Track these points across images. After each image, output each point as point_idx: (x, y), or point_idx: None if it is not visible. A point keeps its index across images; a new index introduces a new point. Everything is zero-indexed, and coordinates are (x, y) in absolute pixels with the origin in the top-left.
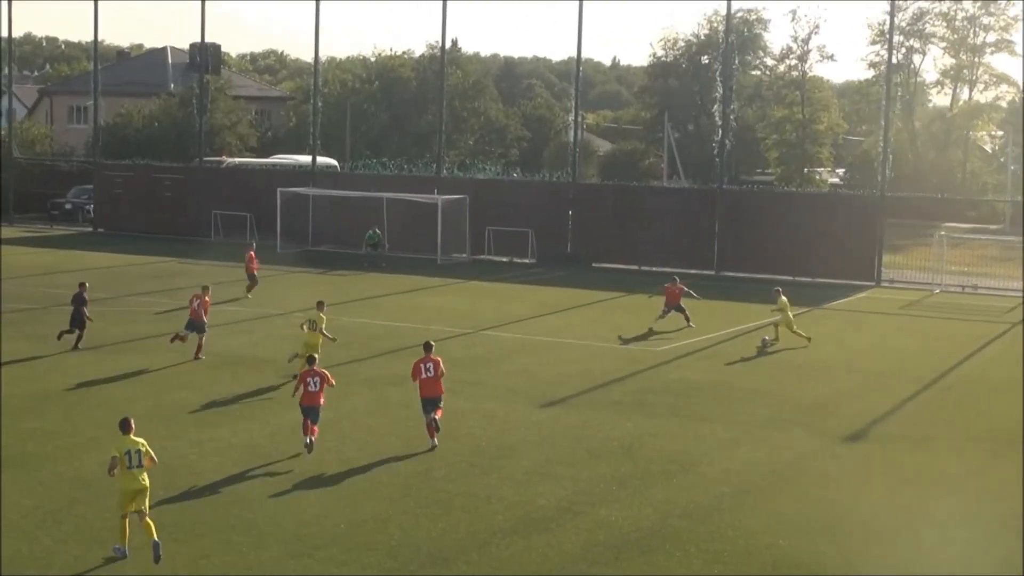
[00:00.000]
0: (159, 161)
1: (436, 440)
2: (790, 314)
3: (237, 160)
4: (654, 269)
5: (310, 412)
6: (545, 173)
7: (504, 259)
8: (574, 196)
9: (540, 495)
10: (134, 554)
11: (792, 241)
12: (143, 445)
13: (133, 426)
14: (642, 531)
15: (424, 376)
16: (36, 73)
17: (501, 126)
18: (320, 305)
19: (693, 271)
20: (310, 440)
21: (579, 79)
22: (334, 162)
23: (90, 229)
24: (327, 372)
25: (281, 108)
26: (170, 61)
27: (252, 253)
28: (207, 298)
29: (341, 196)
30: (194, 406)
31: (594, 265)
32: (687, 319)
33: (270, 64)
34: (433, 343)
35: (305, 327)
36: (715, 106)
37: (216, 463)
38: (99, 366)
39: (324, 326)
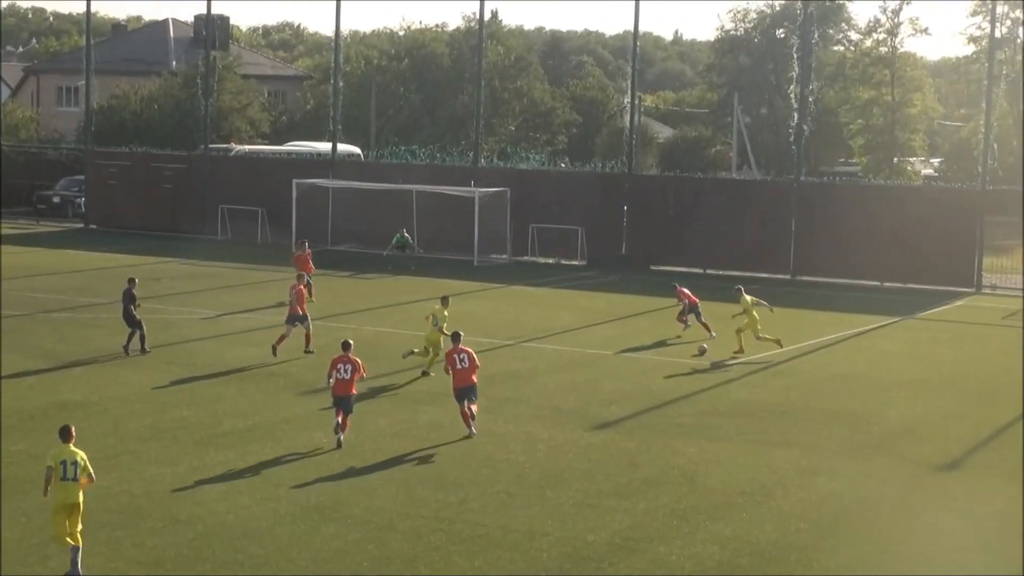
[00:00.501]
0: (159, 149)
1: (474, 428)
2: (755, 315)
3: (247, 148)
4: (721, 273)
5: (342, 403)
6: (597, 163)
7: (550, 261)
8: (630, 189)
9: (590, 530)
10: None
11: (879, 242)
12: (82, 458)
13: (74, 434)
14: (706, 571)
15: (459, 367)
16: (21, 49)
17: (547, 109)
18: (444, 300)
19: (765, 275)
20: (340, 437)
21: (636, 56)
22: (357, 150)
23: (81, 225)
24: (360, 361)
25: (297, 89)
26: (172, 35)
27: (309, 251)
28: (302, 287)
29: (365, 189)
30: (197, 426)
31: (652, 268)
32: (696, 325)
33: (285, 39)
34: (462, 333)
35: (428, 321)
36: (791, 86)
37: (222, 490)
38: (90, 381)
39: (445, 325)
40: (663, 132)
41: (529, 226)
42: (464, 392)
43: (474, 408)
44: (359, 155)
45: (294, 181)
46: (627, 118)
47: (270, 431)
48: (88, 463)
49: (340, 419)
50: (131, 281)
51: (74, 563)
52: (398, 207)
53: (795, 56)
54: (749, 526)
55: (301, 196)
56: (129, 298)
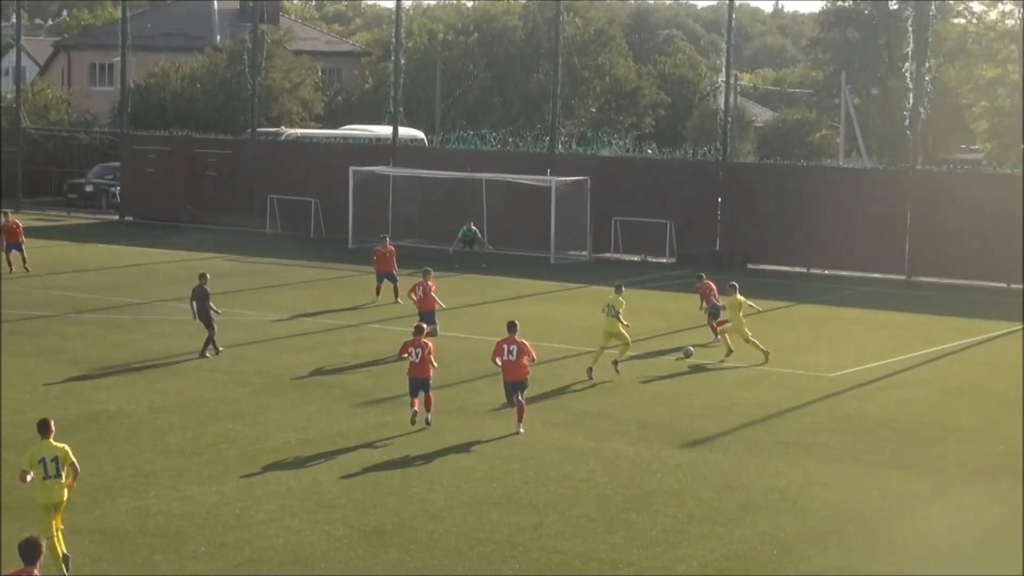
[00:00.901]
0: (202, 133)
1: (523, 427)
2: (741, 316)
3: (299, 131)
4: (827, 272)
5: (421, 385)
6: (688, 149)
7: (635, 258)
8: (725, 178)
9: (680, 559)
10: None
11: (1005, 238)
12: (63, 451)
13: (53, 429)
14: None
15: (507, 359)
16: (50, 22)
17: (631, 89)
18: (619, 288)
19: (876, 275)
20: (415, 412)
21: (731, 30)
22: (420, 134)
23: (116, 217)
24: (431, 344)
25: (354, 66)
26: (216, 8)
27: (392, 247)
28: (430, 282)
29: (429, 177)
30: (244, 440)
31: (749, 267)
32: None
33: (340, 11)
34: (517, 323)
35: (605, 312)
36: (906, 64)
37: (271, 512)
38: (126, 390)
39: (623, 311)
40: (762, 115)
41: (612, 219)
42: (514, 386)
43: (524, 402)
44: (422, 140)
45: (351, 169)
46: (721, 99)
47: (324, 446)
48: (71, 454)
49: (416, 406)
50: (202, 277)
51: (66, 563)
52: (466, 198)
53: (910, 29)
54: (859, 556)
55: (358, 186)
56: (203, 296)
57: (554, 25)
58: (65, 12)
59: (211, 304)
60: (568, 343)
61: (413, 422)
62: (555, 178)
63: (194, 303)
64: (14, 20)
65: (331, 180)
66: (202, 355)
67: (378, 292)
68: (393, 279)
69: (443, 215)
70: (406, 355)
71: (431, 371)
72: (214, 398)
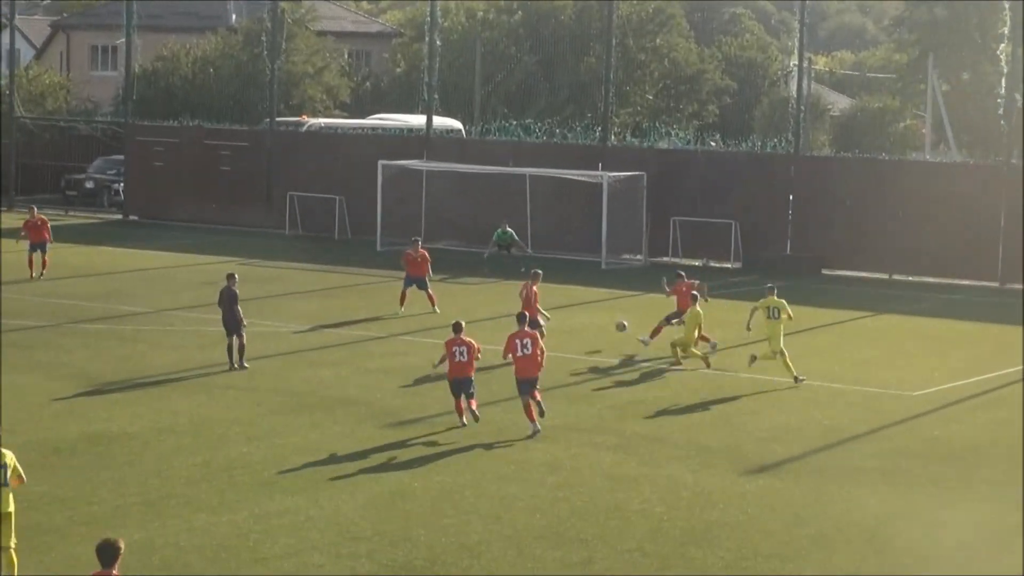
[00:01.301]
0: (214, 122)
1: (539, 424)
2: (695, 329)
3: (323, 121)
4: (910, 279)
5: (462, 385)
6: (756, 141)
7: (696, 263)
8: (797, 174)
9: None
10: None
11: None
12: (11, 459)
13: (1, 435)
14: None
15: (520, 353)
16: (47, 0)
17: (693, 74)
18: (771, 289)
19: (966, 282)
20: (464, 421)
21: (805, 8)
22: (458, 124)
23: (119, 216)
24: (475, 342)
25: (384, 48)
26: None
27: (423, 251)
28: (535, 287)
29: (467, 172)
30: (260, 464)
31: (824, 272)
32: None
33: None
34: (527, 314)
35: (760, 314)
36: (1001, 46)
37: (289, 545)
38: (130, 408)
39: (786, 314)
40: (839, 102)
41: (670, 219)
42: (528, 383)
43: (539, 396)
44: (460, 131)
45: (380, 163)
46: (793, 85)
47: (348, 471)
48: (17, 464)
49: (461, 405)
50: (230, 277)
51: None
52: (507, 195)
53: (1006, 7)
54: None
55: (388, 182)
56: (232, 298)
57: (607, 3)
58: None
59: (239, 308)
60: (619, 357)
61: (463, 416)
62: (607, 173)
63: (221, 308)
64: None
65: (358, 175)
66: (240, 366)
67: (402, 301)
68: (424, 286)
69: (482, 214)
70: (448, 358)
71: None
72: (226, 418)
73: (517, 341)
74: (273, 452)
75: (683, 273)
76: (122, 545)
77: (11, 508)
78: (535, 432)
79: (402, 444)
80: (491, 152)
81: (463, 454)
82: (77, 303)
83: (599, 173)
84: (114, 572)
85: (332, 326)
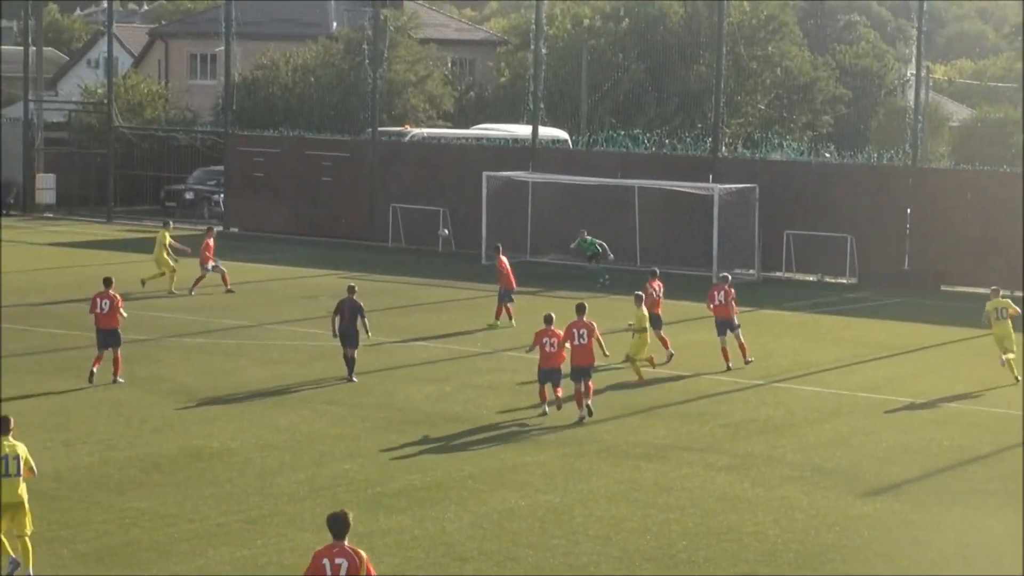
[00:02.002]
0: (315, 132)
1: (586, 409)
2: (646, 333)
3: (425, 131)
4: None
5: (550, 376)
6: (872, 152)
7: (810, 278)
8: (915, 186)
9: None
10: None
11: None
12: (23, 451)
13: (13, 426)
14: None
15: (577, 343)
16: (145, 7)
17: (807, 83)
18: (995, 291)
19: None
20: (551, 402)
21: (923, 15)
22: (564, 134)
23: (219, 228)
24: (563, 333)
25: (489, 56)
26: None
27: (502, 259)
28: (653, 288)
29: (573, 184)
30: (363, 482)
31: (943, 288)
32: (742, 350)
33: None
34: (586, 305)
35: (993, 317)
36: None
37: (394, 565)
38: (232, 424)
39: (1013, 311)
40: (958, 112)
41: (784, 233)
42: (582, 372)
43: (592, 385)
44: (566, 141)
45: (484, 174)
46: (911, 94)
47: (454, 490)
48: (28, 455)
49: (546, 393)
50: (351, 289)
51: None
52: (615, 207)
53: None
54: None
55: (493, 193)
56: (356, 309)
57: (718, 10)
58: None
59: (366, 321)
60: (732, 375)
61: (546, 411)
62: (718, 185)
63: (337, 318)
64: (105, 5)
65: (462, 187)
66: (349, 378)
67: (497, 315)
68: (509, 298)
69: (589, 227)
70: (538, 348)
71: (560, 361)
72: (329, 434)
73: (575, 330)
74: (377, 469)
75: (728, 276)
76: (351, 518)
77: (23, 499)
78: (582, 419)
79: (509, 462)
80: (598, 163)
81: (571, 473)
82: (175, 316)
83: (710, 185)
84: (345, 544)
85: (437, 341)
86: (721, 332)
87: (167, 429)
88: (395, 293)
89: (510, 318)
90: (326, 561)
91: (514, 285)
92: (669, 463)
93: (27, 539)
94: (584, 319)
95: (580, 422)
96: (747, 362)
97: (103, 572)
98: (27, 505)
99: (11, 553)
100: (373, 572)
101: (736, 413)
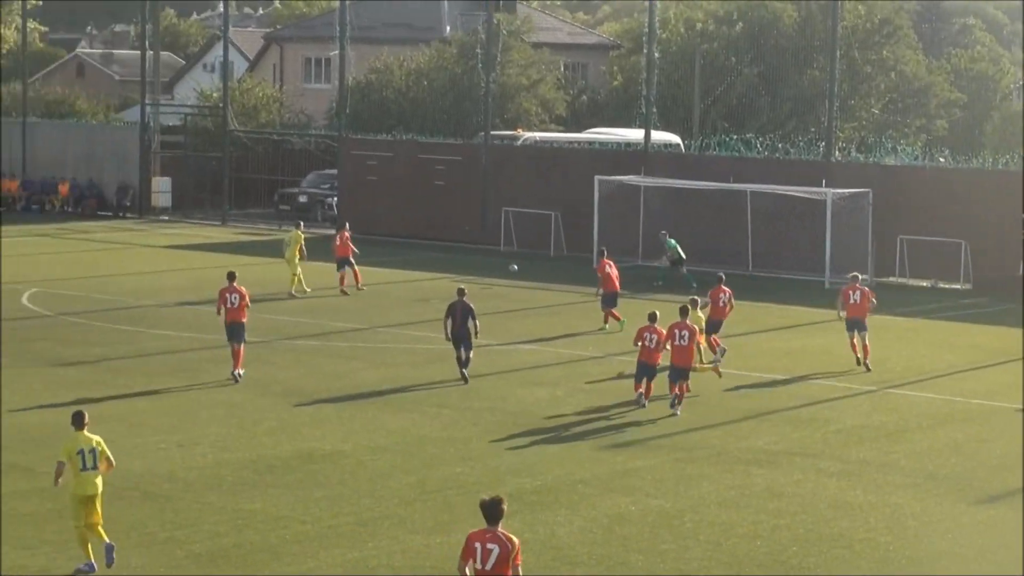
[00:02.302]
0: (428, 136)
1: (679, 410)
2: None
3: (538, 135)
4: None
5: (647, 371)
6: (986, 157)
7: (924, 284)
8: None
9: None
10: None
11: None
12: (99, 443)
13: (87, 420)
14: None
15: (678, 343)
16: (260, 11)
17: (921, 87)
18: None
19: None
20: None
21: None
22: (676, 139)
23: (331, 231)
24: (664, 331)
25: (601, 60)
26: None
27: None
28: (719, 295)
29: (685, 188)
30: (474, 485)
31: None
32: (864, 353)
33: None
34: (698, 299)
35: None
36: None
37: None
38: (343, 427)
39: None
40: None
41: (897, 238)
42: (680, 372)
43: (686, 391)
44: (679, 145)
45: (596, 178)
46: None
47: (564, 494)
48: (105, 447)
49: (641, 387)
50: (461, 292)
51: (109, 560)
52: (727, 212)
53: None
54: None
55: (605, 197)
56: (467, 311)
57: (832, 13)
58: (277, 1)
59: (477, 323)
60: (845, 380)
61: (640, 405)
62: (831, 190)
63: (449, 320)
64: (220, 9)
65: (574, 191)
66: (463, 379)
67: (605, 320)
68: (613, 303)
69: (702, 231)
70: (640, 343)
71: (658, 359)
72: (441, 437)
73: (676, 331)
74: (488, 473)
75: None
76: (505, 504)
77: (99, 491)
78: (673, 414)
79: (619, 467)
80: (711, 167)
81: (682, 478)
82: (288, 319)
83: (823, 190)
84: (499, 530)
85: (549, 345)
86: (850, 330)
87: (280, 431)
88: (507, 297)
89: (618, 320)
90: (478, 545)
91: (617, 287)
92: (780, 469)
93: (99, 527)
94: (687, 321)
95: (674, 415)
96: (866, 368)
97: (215, 573)
98: (101, 497)
99: (89, 554)
100: (520, 561)
101: (848, 419)
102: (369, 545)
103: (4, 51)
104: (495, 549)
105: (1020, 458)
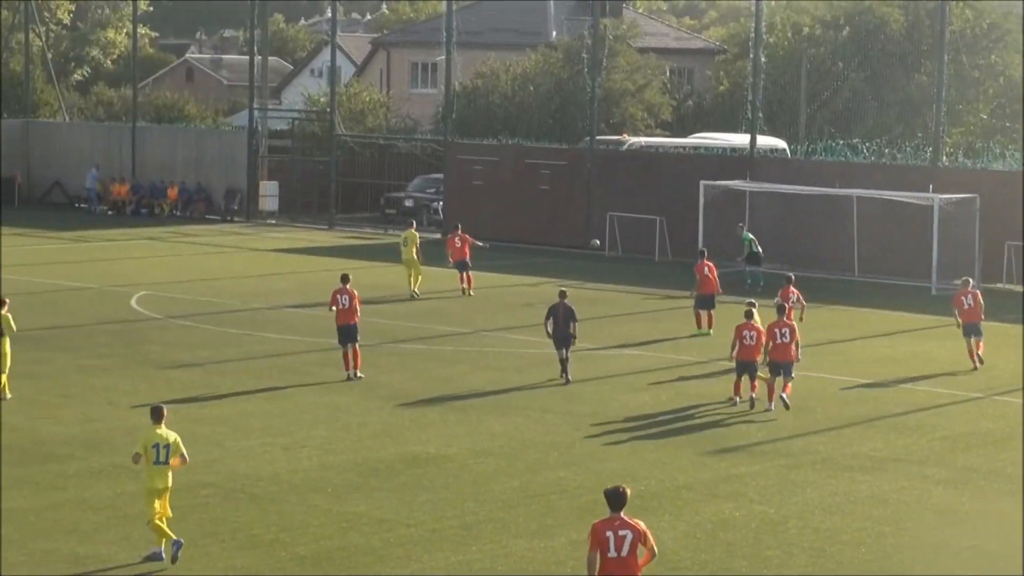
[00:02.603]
0: (534, 141)
1: (781, 402)
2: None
3: (643, 140)
4: None
5: (747, 368)
6: None
7: None
8: None
9: None
10: None
11: None
12: (174, 439)
13: (166, 415)
14: None
15: (779, 341)
16: (368, 16)
17: None
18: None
19: None
20: (734, 398)
21: None
22: (782, 144)
23: (437, 235)
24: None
25: (707, 65)
26: (552, 0)
27: (708, 266)
28: (789, 294)
29: (791, 193)
30: (577, 490)
31: None
32: (977, 355)
33: (692, 3)
34: (785, 305)
35: None
36: None
37: None
38: (447, 431)
39: None
40: None
41: (1004, 244)
42: (781, 367)
43: (789, 390)
44: (784, 150)
45: (701, 183)
46: None
47: (668, 499)
48: (180, 443)
49: (741, 385)
50: (563, 294)
51: (174, 557)
52: (834, 217)
53: None
54: None
55: (710, 202)
56: (569, 313)
57: (939, 18)
58: (384, 6)
59: (576, 325)
60: (952, 387)
61: (733, 403)
62: (938, 195)
63: (550, 321)
64: (328, 15)
65: (679, 196)
66: (564, 377)
67: (698, 323)
68: (711, 304)
69: (808, 237)
70: (738, 342)
71: (757, 355)
72: (544, 442)
73: (776, 330)
74: (590, 477)
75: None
76: (629, 492)
77: (168, 485)
78: (767, 409)
79: (723, 472)
80: (817, 172)
81: (786, 484)
82: (394, 322)
83: (929, 195)
84: (623, 515)
85: (653, 349)
86: (967, 335)
87: (384, 434)
88: (612, 302)
89: (707, 327)
90: (609, 533)
91: (715, 290)
92: (885, 475)
93: (166, 522)
94: (786, 319)
95: (767, 411)
96: (975, 366)
97: (320, 574)
98: (169, 491)
99: (170, 535)
100: (653, 542)
101: (955, 425)
102: (472, 549)
103: (115, 56)
104: (628, 534)
105: None
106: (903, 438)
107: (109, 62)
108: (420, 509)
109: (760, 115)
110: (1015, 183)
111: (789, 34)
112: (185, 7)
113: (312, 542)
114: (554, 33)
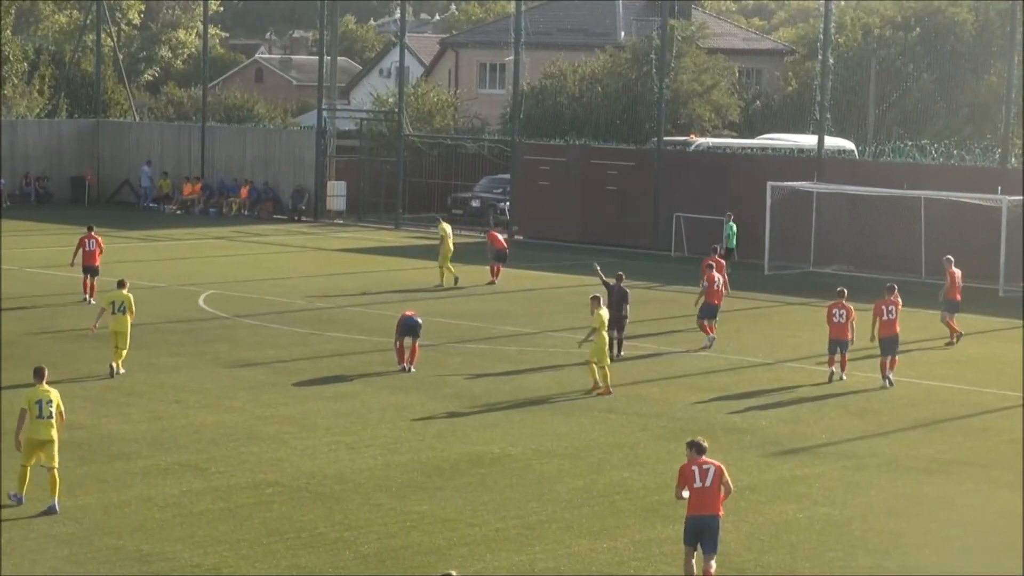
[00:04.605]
0: (601, 141)
1: (887, 381)
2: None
3: (711, 141)
4: None
5: (838, 345)
6: None
7: None
8: None
9: None
10: None
11: None
12: (55, 398)
13: (47, 375)
14: None
15: (886, 318)
16: (437, 17)
17: None
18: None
19: None
20: (832, 371)
21: None
22: (850, 145)
23: (504, 236)
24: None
25: (776, 66)
26: (621, 1)
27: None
28: (889, 305)
29: (859, 195)
30: (641, 491)
31: None
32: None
33: (762, 4)
34: (845, 290)
35: None
36: None
37: (671, 572)
38: (511, 430)
39: None
40: None
41: None
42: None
43: (896, 360)
44: (853, 151)
45: (768, 184)
46: None
47: (731, 500)
48: (60, 402)
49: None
50: (619, 277)
51: (49, 512)
52: (901, 219)
53: None
54: None
55: (777, 203)
56: (622, 296)
57: (1010, 19)
58: (453, 7)
59: (628, 307)
60: (1018, 390)
61: (830, 380)
62: (1007, 197)
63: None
64: (397, 15)
65: (746, 196)
66: (617, 355)
67: (707, 332)
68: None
69: (875, 238)
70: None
71: (849, 334)
72: (608, 442)
73: (883, 307)
74: (655, 478)
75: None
76: (706, 444)
77: (54, 438)
78: (883, 386)
79: (787, 474)
80: (885, 174)
81: (850, 486)
82: (459, 322)
83: (998, 197)
84: (704, 459)
85: (717, 350)
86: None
87: (449, 434)
88: (678, 302)
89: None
90: (695, 468)
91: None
92: (951, 478)
93: (55, 471)
94: (892, 297)
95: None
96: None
97: (383, 573)
98: (56, 443)
99: (23, 488)
100: (730, 480)
101: (1021, 428)
102: (536, 549)
103: (185, 56)
104: (711, 468)
105: None
106: (969, 440)
107: (179, 62)
108: (484, 509)
109: (828, 116)
110: None
111: (858, 35)
112: (255, 7)
113: (376, 541)
114: (622, 34)
